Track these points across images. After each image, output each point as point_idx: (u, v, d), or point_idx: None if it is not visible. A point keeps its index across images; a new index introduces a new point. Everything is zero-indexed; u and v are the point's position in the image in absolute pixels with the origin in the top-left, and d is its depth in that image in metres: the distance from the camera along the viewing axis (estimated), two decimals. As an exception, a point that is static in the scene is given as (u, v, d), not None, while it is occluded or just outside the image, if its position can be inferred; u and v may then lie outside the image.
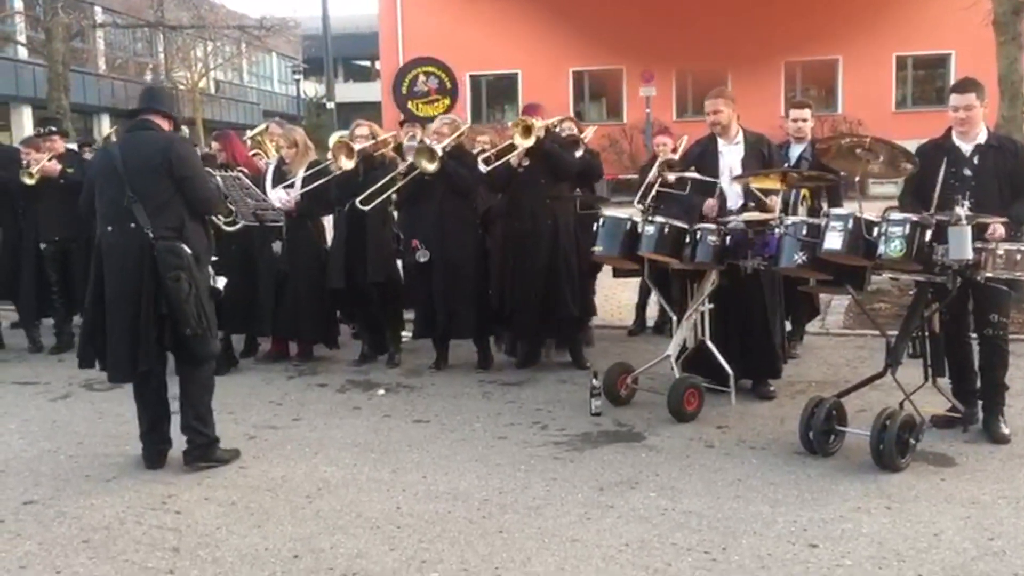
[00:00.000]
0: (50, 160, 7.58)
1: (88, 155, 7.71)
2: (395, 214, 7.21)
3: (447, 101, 9.54)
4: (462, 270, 6.69)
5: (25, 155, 7.69)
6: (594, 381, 5.68)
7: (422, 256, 6.68)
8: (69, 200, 7.47)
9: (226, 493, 4.50)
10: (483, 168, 6.51)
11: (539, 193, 6.60)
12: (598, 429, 5.40)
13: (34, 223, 7.69)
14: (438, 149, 6.55)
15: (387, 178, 6.71)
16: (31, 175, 7.45)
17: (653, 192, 6.38)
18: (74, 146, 8.41)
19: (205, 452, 4.84)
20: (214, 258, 5.17)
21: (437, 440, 5.28)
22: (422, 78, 9.53)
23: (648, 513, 4.15)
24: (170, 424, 4.93)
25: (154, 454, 4.89)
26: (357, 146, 6.78)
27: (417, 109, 9.49)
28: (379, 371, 6.92)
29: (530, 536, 3.94)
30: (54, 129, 7.99)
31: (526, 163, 6.57)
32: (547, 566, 3.66)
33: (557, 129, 6.90)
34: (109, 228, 4.75)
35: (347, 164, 6.69)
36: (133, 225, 4.67)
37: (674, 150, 7.75)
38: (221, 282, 5.01)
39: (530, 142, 6.38)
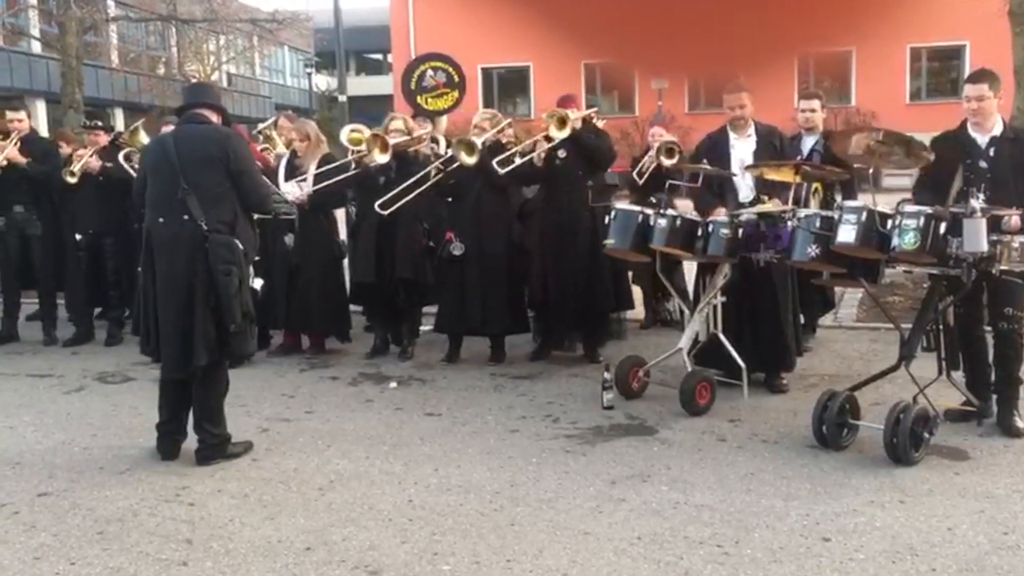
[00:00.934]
0: (92, 155, 7.60)
1: (123, 161, 7.74)
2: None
3: (455, 94, 9.54)
4: (497, 264, 6.68)
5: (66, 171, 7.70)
6: (606, 374, 5.67)
7: (457, 249, 6.66)
8: (105, 194, 7.57)
9: (239, 485, 4.52)
10: (499, 170, 6.45)
11: (577, 185, 6.57)
12: (610, 422, 5.40)
13: (71, 215, 7.73)
14: (478, 143, 6.54)
15: (412, 180, 6.68)
16: (73, 173, 7.48)
17: (646, 177, 6.36)
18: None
19: (216, 451, 4.85)
20: (256, 258, 5.14)
21: (449, 433, 5.29)
22: (430, 73, 9.54)
23: (660, 506, 4.15)
24: (188, 416, 4.94)
25: (169, 445, 4.91)
26: (393, 140, 6.77)
27: (426, 103, 9.48)
28: (391, 364, 6.93)
29: (542, 529, 3.94)
30: (100, 124, 8.03)
31: (563, 155, 6.52)
32: (559, 559, 3.67)
33: (595, 120, 6.87)
34: (160, 219, 4.71)
35: (381, 158, 6.68)
36: (186, 217, 4.65)
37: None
38: (258, 283, 4.95)
39: (565, 133, 6.33)
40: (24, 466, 4.88)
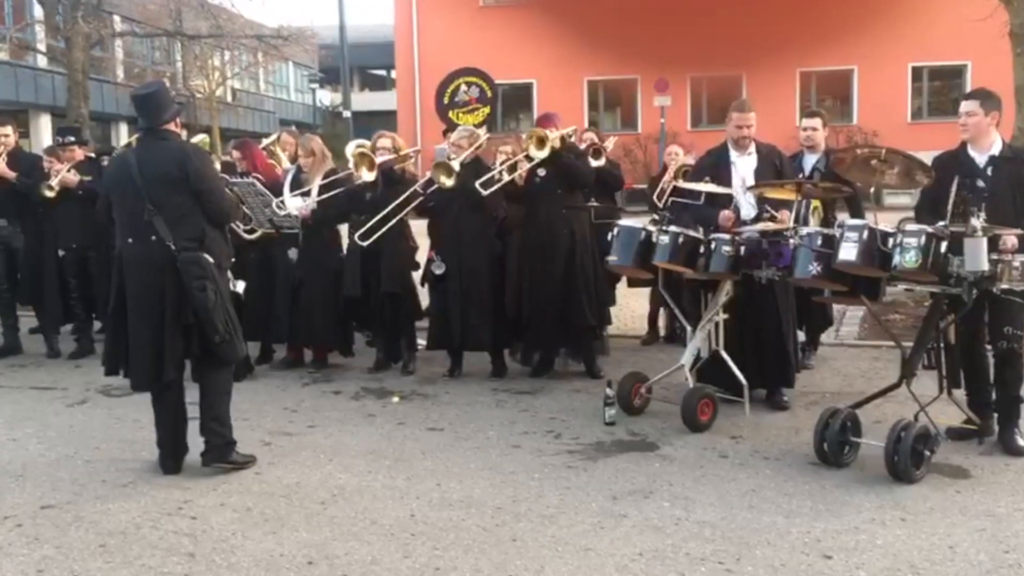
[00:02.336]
0: (69, 170, 7.64)
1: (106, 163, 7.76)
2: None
3: (487, 110, 9.55)
4: (478, 282, 6.71)
5: (48, 164, 7.76)
6: (608, 390, 5.69)
7: (438, 268, 6.72)
8: (87, 208, 7.54)
9: (241, 499, 4.53)
10: (481, 191, 6.49)
11: (556, 203, 6.63)
12: (612, 438, 5.40)
13: (53, 230, 7.76)
14: (455, 164, 6.60)
15: (388, 209, 6.74)
16: (51, 188, 7.51)
17: (667, 197, 6.41)
18: (92, 154, 8.46)
19: (222, 453, 4.89)
20: (232, 259, 5.22)
21: (451, 448, 5.30)
22: (464, 87, 9.54)
23: (662, 523, 4.16)
24: (187, 430, 4.96)
25: (171, 460, 4.93)
26: (379, 159, 6.82)
27: (457, 118, 9.48)
28: (393, 379, 6.94)
29: (544, 544, 3.95)
30: (72, 139, 8.04)
31: (542, 173, 6.61)
32: (560, 574, 3.67)
33: (573, 139, 6.93)
34: (130, 240, 4.78)
35: (368, 176, 6.74)
36: (154, 238, 4.70)
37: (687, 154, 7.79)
38: (240, 286, 5.06)
39: (544, 153, 6.42)
40: (27, 478, 4.89)
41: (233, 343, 4.80)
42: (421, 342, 7.40)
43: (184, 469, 4.93)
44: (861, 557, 3.78)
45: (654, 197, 7.47)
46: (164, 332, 4.71)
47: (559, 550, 3.89)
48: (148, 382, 4.84)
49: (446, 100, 9.61)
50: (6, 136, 7.79)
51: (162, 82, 5.51)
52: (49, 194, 7.51)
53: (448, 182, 6.59)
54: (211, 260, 4.74)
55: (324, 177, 7.08)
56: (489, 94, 9.55)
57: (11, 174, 7.59)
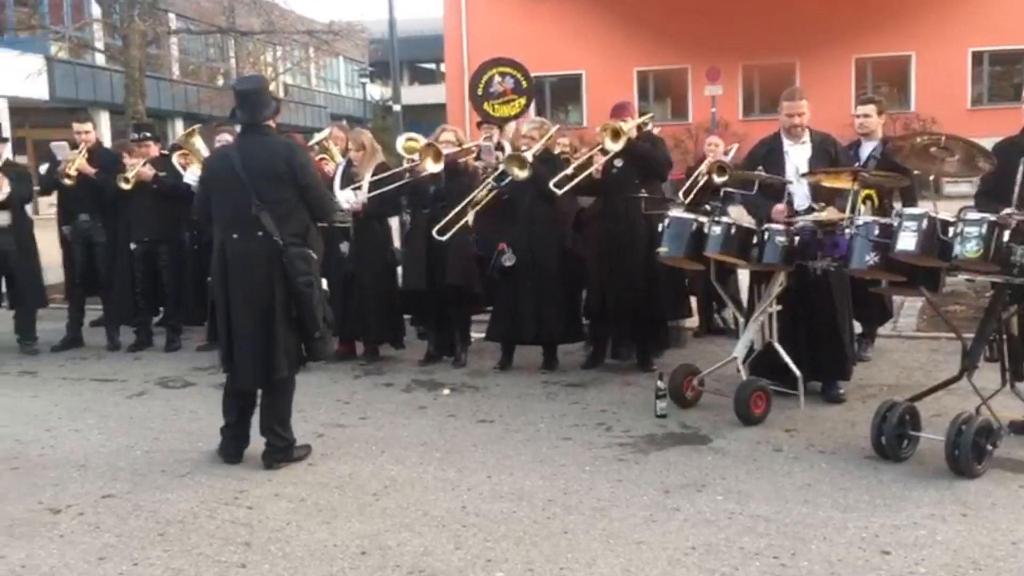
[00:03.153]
0: (144, 165, 7.80)
1: (175, 160, 7.92)
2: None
3: (523, 101, 9.40)
4: (550, 274, 6.69)
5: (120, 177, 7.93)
6: (659, 383, 5.65)
7: (508, 260, 6.69)
8: (160, 202, 7.75)
9: (295, 490, 4.58)
10: (556, 191, 6.43)
11: (633, 193, 6.55)
12: (663, 431, 5.37)
13: (126, 224, 7.92)
14: (528, 156, 6.59)
15: (462, 204, 6.76)
16: (127, 180, 7.67)
17: (695, 193, 6.31)
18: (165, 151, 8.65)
19: (284, 455, 4.94)
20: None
21: (502, 440, 5.30)
22: (497, 78, 9.41)
23: (715, 516, 4.11)
24: (251, 421, 5.03)
25: (233, 449, 5.00)
26: (446, 150, 6.82)
27: (493, 110, 9.37)
28: (444, 371, 6.97)
29: (595, 537, 3.94)
30: (148, 135, 8.19)
31: (619, 164, 6.51)
32: (612, 568, 3.65)
33: (649, 127, 6.85)
34: (235, 236, 4.77)
35: (433, 167, 6.75)
36: (261, 233, 4.72)
37: (725, 152, 7.66)
38: (324, 283, 5.09)
39: (619, 146, 6.32)
40: (89, 468, 5.00)
41: (326, 339, 4.92)
42: (474, 335, 7.42)
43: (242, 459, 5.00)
44: (920, 553, 3.70)
45: (680, 193, 7.30)
46: (275, 328, 4.72)
47: (611, 543, 3.88)
48: (257, 380, 4.83)
49: (480, 91, 9.51)
50: (87, 132, 7.98)
51: (262, 77, 5.59)
52: (125, 186, 7.66)
53: (521, 174, 6.57)
54: (315, 256, 4.83)
55: (375, 171, 7.12)
56: (525, 84, 9.41)
57: (91, 170, 7.77)
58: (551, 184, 6.43)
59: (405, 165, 7.14)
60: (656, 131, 7.28)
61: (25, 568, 3.79)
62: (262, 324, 4.73)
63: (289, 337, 4.77)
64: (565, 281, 6.77)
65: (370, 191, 7.02)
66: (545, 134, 6.88)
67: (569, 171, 6.50)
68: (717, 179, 6.71)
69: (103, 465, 5.05)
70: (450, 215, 6.72)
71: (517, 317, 6.76)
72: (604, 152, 6.40)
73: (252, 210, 4.70)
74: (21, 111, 25.26)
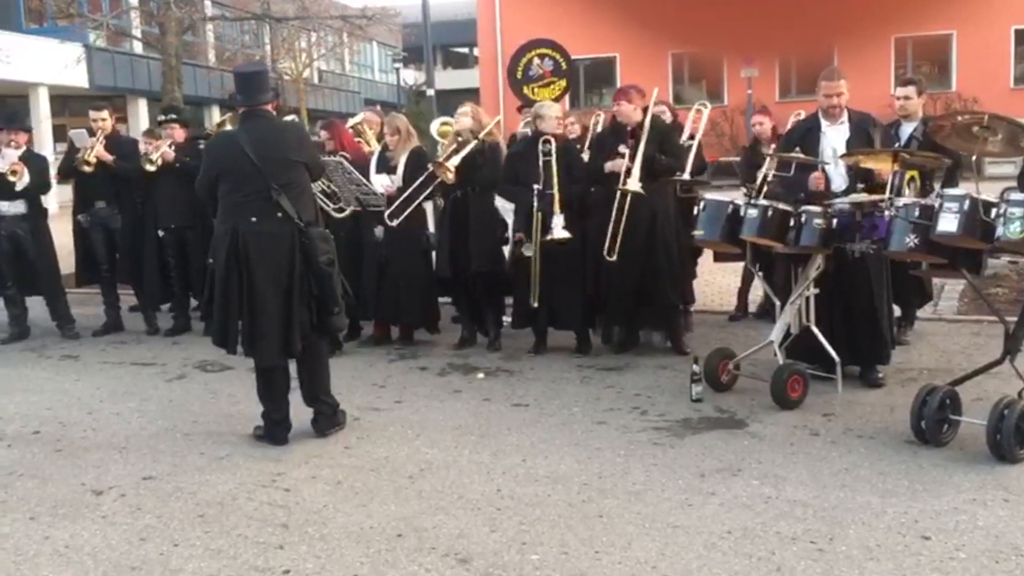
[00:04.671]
0: (170, 147, 7.87)
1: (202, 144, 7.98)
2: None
3: (563, 83, 9.27)
4: (566, 262, 6.67)
5: (145, 144, 8.03)
6: (695, 367, 5.61)
7: (528, 249, 6.68)
8: (186, 188, 7.76)
9: (332, 472, 4.63)
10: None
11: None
12: (699, 415, 5.34)
13: (153, 210, 8.00)
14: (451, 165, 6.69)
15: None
16: (152, 161, 7.75)
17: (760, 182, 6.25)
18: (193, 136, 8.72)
19: (332, 420, 5.16)
20: None
21: (536, 424, 5.31)
22: (536, 61, 9.27)
23: (751, 501, 4.09)
24: (289, 402, 5.14)
25: (282, 431, 5.08)
26: (452, 163, 6.79)
27: (533, 93, 9.24)
28: (479, 355, 6.98)
29: (630, 521, 3.93)
30: (175, 116, 8.28)
31: (622, 150, 6.49)
32: (648, 551, 3.65)
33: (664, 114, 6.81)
34: (253, 219, 4.82)
35: (451, 177, 6.78)
36: (280, 215, 4.82)
37: (774, 129, 7.56)
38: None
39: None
40: (130, 451, 5.09)
41: (342, 314, 5.05)
42: (506, 319, 7.42)
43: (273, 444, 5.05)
44: (961, 539, 3.66)
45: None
46: (292, 306, 4.87)
47: (646, 527, 3.87)
48: (277, 356, 4.97)
49: (519, 75, 9.39)
50: (103, 120, 8.05)
51: (263, 63, 5.70)
52: (150, 167, 7.74)
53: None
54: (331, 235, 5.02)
55: (410, 155, 7.12)
56: (564, 66, 9.27)
57: (109, 157, 7.85)
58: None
59: (431, 167, 7.10)
60: (667, 117, 7.13)
61: (69, 548, 3.86)
62: (284, 303, 4.86)
63: (303, 313, 4.91)
64: (584, 269, 6.73)
65: (404, 181, 7.04)
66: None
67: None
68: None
69: (144, 447, 5.13)
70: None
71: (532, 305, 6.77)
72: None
73: (272, 195, 4.78)
74: (61, 99, 25.62)
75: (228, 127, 7.98)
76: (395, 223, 6.88)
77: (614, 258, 6.43)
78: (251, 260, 4.81)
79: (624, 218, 6.41)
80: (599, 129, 7.69)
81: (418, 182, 6.91)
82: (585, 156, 7.03)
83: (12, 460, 4.97)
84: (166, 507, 4.27)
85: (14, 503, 4.36)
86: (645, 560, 3.57)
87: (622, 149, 6.48)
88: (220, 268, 4.90)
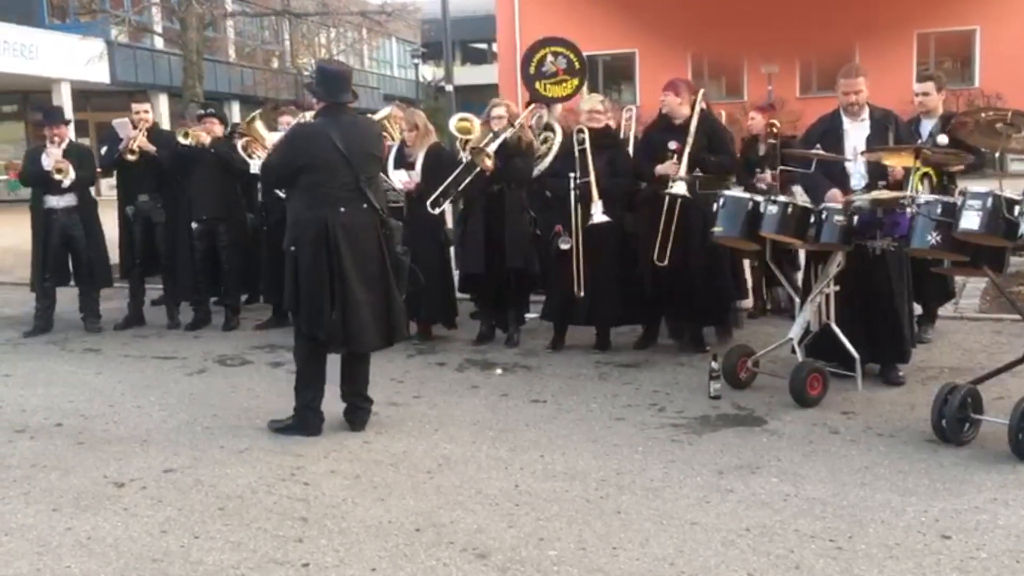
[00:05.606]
0: (203, 134, 7.92)
1: (240, 147, 8.03)
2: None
3: (575, 82, 9.28)
4: (606, 256, 6.66)
5: (180, 131, 8.12)
6: (713, 364, 5.60)
7: (564, 243, 6.67)
8: (219, 182, 7.88)
9: (351, 466, 4.65)
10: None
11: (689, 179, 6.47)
12: (717, 412, 5.33)
13: (187, 202, 8.05)
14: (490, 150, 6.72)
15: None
16: (186, 134, 7.86)
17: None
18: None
19: (369, 414, 5.26)
20: None
21: (554, 420, 5.31)
22: (550, 58, 9.28)
23: (770, 498, 4.08)
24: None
25: (319, 420, 5.15)
26: (491, 148, 6.79)
27: (544, 89, 9.26)
28: (497, 351, 6.99)
29: (648, 518, 3.93)
30: (213, 111, 8.34)
31: (673, 146, 6.43)
32: (665, 548, 3.65)
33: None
34: (342, 209, 4.93)
35: (489, 164, 6.77)
36: (366, 205, 4.99)
37: (768, 126, 7.51)
38: None
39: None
40: (151, 444, 5.13)
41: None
42: (531, 315, 7.42)
43: (286, 438, 5.08)
44: (982, 538, 3.63)
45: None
46: (390, 293, 5.07)
47: (664, 524, 3.87)
48: (380, 342, 5.12)
49: (532, 70, 9.41)
50: (145, 112, 8.14)
51: (349, 65, 5.82)
52: (183, 140, 7.81)
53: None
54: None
55: (429, 151, 7.14)
56: (578, 65, 9.28)
57: (152, 148, 7.92)
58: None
59: (462, 157, 7.09)
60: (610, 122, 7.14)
61: (91, 540, 3.90)
62: (376, 290, 5.02)
63: (401, 300, 5.13)
64: (623, 264, 6.71)
65: (424, 175, 7.04)
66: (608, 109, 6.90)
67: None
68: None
69: (164, 440, 5.17)
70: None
71: (573, 299, 6.74)
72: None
73: (361, 185, 4.96)
74: (83, 94, 25.83)
75: (257, 123, 8.05)
76: (437, 211, 6.89)
77: (664, 263, 6.38)
78: (341, 249, 4.91)
79: (674, 220, 6.35)
80: (631, 124, 7.69)
81: (459, 170, 6.89)
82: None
83: (35, 452, 5.02)
84: (187, 500, 4.30)
85: (37, 495, 4.41)
86: (663, 557, 3.57)
87: (672, 146, 6.43)
88: (307, 256, 4.94)
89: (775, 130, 7.31)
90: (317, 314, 4.97)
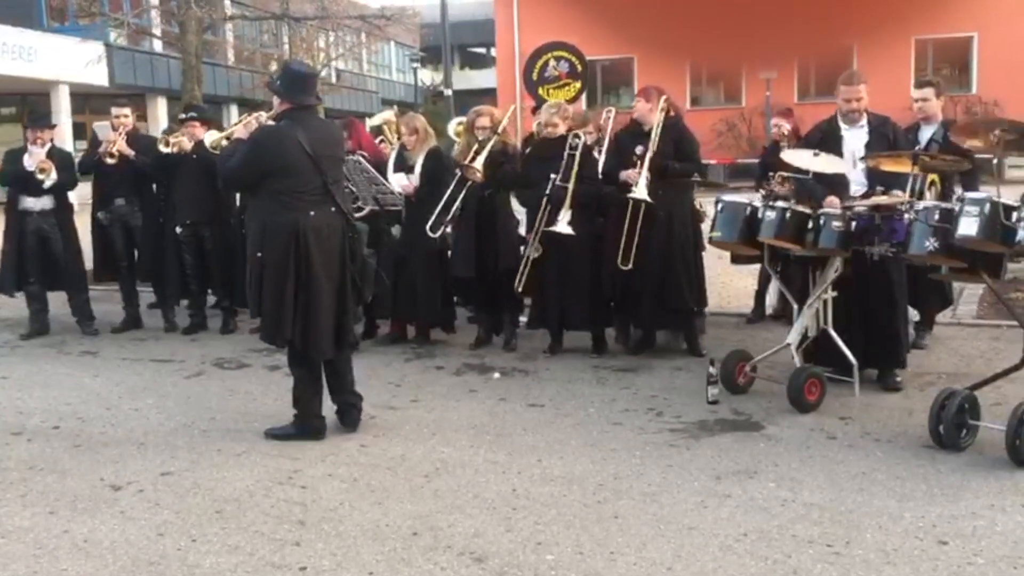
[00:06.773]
0: (185, 138, 7.89)
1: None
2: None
3: (578, 85, 9.31)
4: (575, 262, 6.68)
5: (161, 139, 8.08)
6: (711, 369, 5.60)
7: (536, 251, 6.70)
8: (203, 184, 7.82)
9: (348, 470, 4.64)
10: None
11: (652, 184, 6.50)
12: (715, 417, 5.33)
13: (171, 207, 8.04)
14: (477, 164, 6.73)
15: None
16: (167, 142, 7.77)
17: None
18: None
19: (360, 412, 5.25)
20: None
21: (552, 424, 5.31)
22: (552, 63, 9.33)
23: (767, 503, 4.08)
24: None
25: (322, 424, 5.14)
26: (479, 163, 6.80)
27: (547, 94, 9.29)
28: (494, 355, 6.99)
29: (645, 522, 3.93)
30: (194, 115, 8.22)
31: (639, 151, 6.48)
32: (663, 553, 3.65)
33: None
34: (312, 213, 4.89)
35: (479, 177, 6.78)
36: (333, 209, 4.98)
37: (794, 132, 7.54)
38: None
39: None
40: (148, 446, 5.12)
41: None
42: (522, 319, 7.42)
43: (287, 443, 5.06)
44: (979, 544, 3.64)
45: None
46: (346, 298, 5.03)
47: (661, 528, 3.86)
48: (332, 349, 5.05)
49: (535, 76, 9.44)
50: (125, 117, 8.11)
51: (315, 68, 5.88)
52: (164, 148, 7.74)
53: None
54: None
55: (428, 155, 7.14)
56: (580, 68, 9.32)
57: (131, 152, 7.89)
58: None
59: (457, 153, 7.13)
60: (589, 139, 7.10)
61: (88, 543, 3.89)
62: (338, 294, 4.99)
63: (354, 305, 5.12)
64: (593, 268, 6.73)
65: (422, 179, 7.05)
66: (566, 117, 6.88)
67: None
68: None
69: (162, 443, 5.16)
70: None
71: (545, 304, 6.80)
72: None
73: (329, 188, 4.94)
74: (82, 97, 25.79)
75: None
76: (437, 235, 6.90)
77: (629, 266, 6.44)
78: (311, 253, 4.89)
79: (638, 225, 6.40)
80: (610, 125, 7.68)
81: (450, 189, 6.90)
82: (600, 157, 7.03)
83: (32, 455, 5.02)
84: (184, 503, 4.29)
85: (34, 497, 4.41)
86: (660, 561, 3.57)
87: (638, 150, 6.48)
88: (275, 260, 4.86)
89: (799, 135, 7.32)
90: (277, 323, 4.92)
